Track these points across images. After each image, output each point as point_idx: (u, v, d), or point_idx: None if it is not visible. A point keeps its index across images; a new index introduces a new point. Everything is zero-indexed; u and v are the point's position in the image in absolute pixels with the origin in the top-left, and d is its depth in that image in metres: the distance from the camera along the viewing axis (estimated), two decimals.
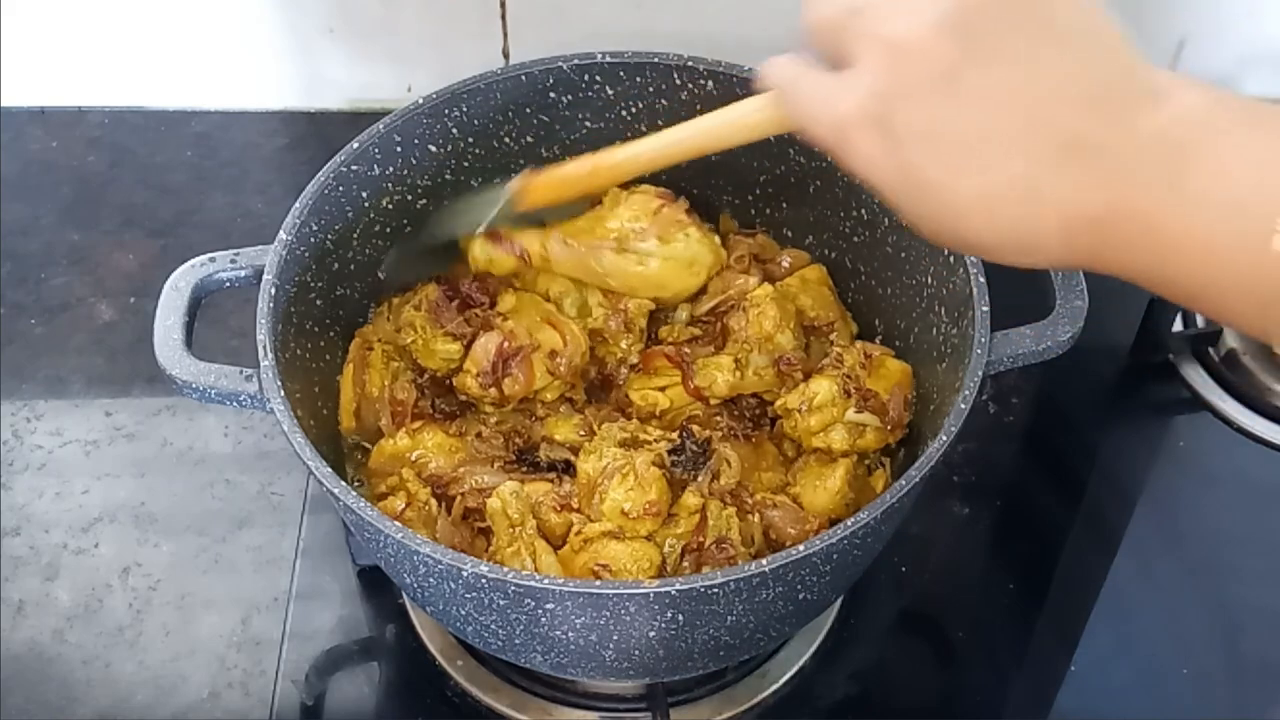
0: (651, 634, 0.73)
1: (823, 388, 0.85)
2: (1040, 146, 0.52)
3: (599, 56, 0.92)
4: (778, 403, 0.87)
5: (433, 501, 0.82)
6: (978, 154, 0.53)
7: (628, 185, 0.89)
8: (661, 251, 0.88)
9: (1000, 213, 0.53)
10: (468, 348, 0.88)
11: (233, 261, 0.83)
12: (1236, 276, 0.50)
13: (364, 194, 0.89)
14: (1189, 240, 0.51)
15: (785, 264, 0.95)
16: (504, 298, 0.89)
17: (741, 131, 0.71)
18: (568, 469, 0.85)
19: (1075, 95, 0.52)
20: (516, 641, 0.76)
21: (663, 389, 0.89)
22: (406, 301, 0.90)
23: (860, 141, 0.55)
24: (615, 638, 0.73)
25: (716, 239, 0.91)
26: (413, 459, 0.86)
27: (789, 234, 0.97)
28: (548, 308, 0.89)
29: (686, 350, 0.89)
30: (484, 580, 0.70)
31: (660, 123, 0.95)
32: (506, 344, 0.87)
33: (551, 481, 0.84)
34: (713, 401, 0.89)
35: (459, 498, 0.83)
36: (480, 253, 0.89)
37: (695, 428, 0.86)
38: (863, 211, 0.91)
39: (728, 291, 0.92)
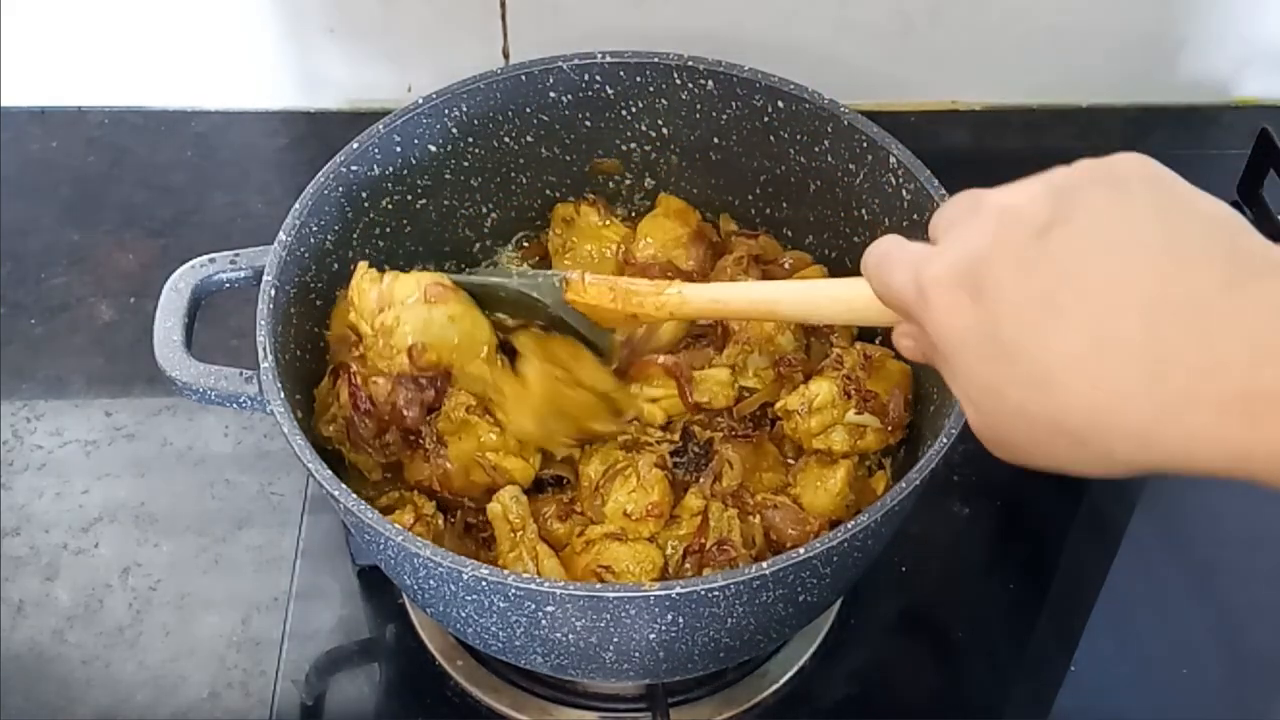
0: (652, 636, 0.73)
1: (823, 389, 0.84)
2: (1147, 292, 0.46)
3: (599, 56, 0.92)
4: (778, 404, 0.86)
5: (439, 515, 0.82)
6: (1068, 307, 0.47)
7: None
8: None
9: (1105, 374, 0.46)
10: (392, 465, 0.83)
11: (233, 262, 0.83)
12: None
13: (364, 194, 0.89)
14: None
15: (786, 265, 0.95)
16: (446, 420, 0.81)
17: (837, 309, 0.67)
18: (568, 483, 0.85)
19: (1196, 257, 0.46)
20: (517, 643, 0.76)
21: (656, 400, 0.88)
22: (326, 409, 0.83)
23: (942, 299, 0.52)
24: (615, 640, 0.73)
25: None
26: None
27: (789, 234, 0.97)
28: (491, 444, 0.81)
29: (683, 356, 0.89)
30: (484, 583, 0.70)
31: (660, 123, 0.95)
32: (439, 485, 0.82)
33: (552, 491, 0.85)
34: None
35: (460, 511, 0.83)
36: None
37: (697, 429, 0.86)
38: (863, 212, 0.91)
39: None
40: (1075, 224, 0.48)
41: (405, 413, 0.80)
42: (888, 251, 0.57)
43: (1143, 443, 0.47)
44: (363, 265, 0.82)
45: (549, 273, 0.80)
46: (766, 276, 0.93)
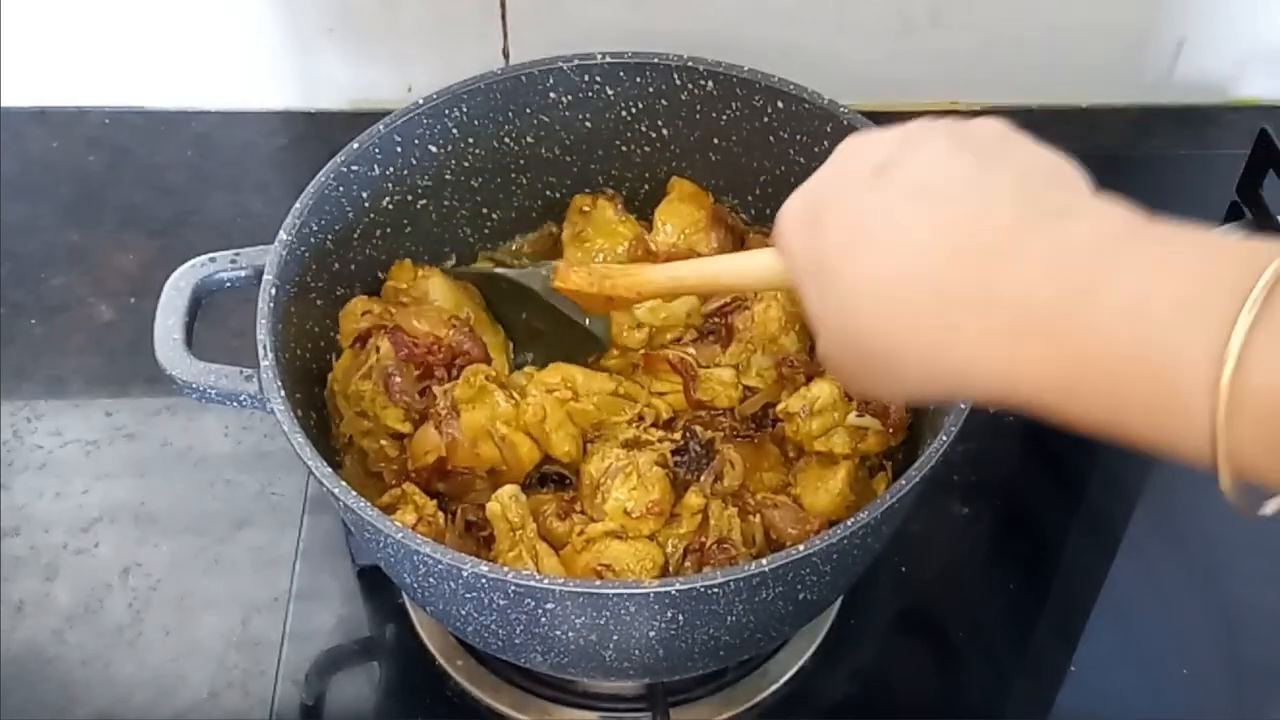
0: (651, 634, 0.73)
1: (824, 391, 0.84)
2: (941, 237, 0.51)
3: (599, 56, 0.92)
4: (779, 406, 0.86)
5: (440, 514, 0.82)
6: (876, 239, 0.52)
7: None
8: None
9: (897, 302, 0.51)
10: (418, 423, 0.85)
11: (233, 261, 0.83)
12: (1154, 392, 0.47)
13: (364, 194, 0.89)
14: (1095, 349, 0.47)
15: None
16: (465, 384, 0.84)
17: (767, 274, 0.69)
18: (569, 482, 0.85)
19: (1000, 205, 0.50)
20: (516, 641, 0.76)
21: (663, 395, 0.88)
22: (357, 369, 0.86)
23: (788, 229, 0.57)
24: (615, 637, 0.73)
25: None
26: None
27: None
28: (504, 414, 0.84)
29: (691, 352, 0.89)
30: (484, 580, 0.70)
31: (660, 123, 0.95)
32: (444, 459, 0.84)
33: (553, 489, 0.84)
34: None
35: (460, 510, 0.83)
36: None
37: (698, 428, 0.86)
38: None
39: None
40: (904, 167, 0.53)
41: (470, 350, 0.86)
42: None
43: (927, 368, 0.52)
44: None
45: (540, 264, 0.85)
46: None
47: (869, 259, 0.52)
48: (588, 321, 0.86)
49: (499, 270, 0.89)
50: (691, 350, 0.89)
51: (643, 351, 0.90)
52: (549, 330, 0.87)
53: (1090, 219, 0.49)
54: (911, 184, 0.53)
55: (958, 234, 0.50)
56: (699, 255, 0.93)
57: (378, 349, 0.86)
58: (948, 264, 0.50)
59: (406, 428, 0.85)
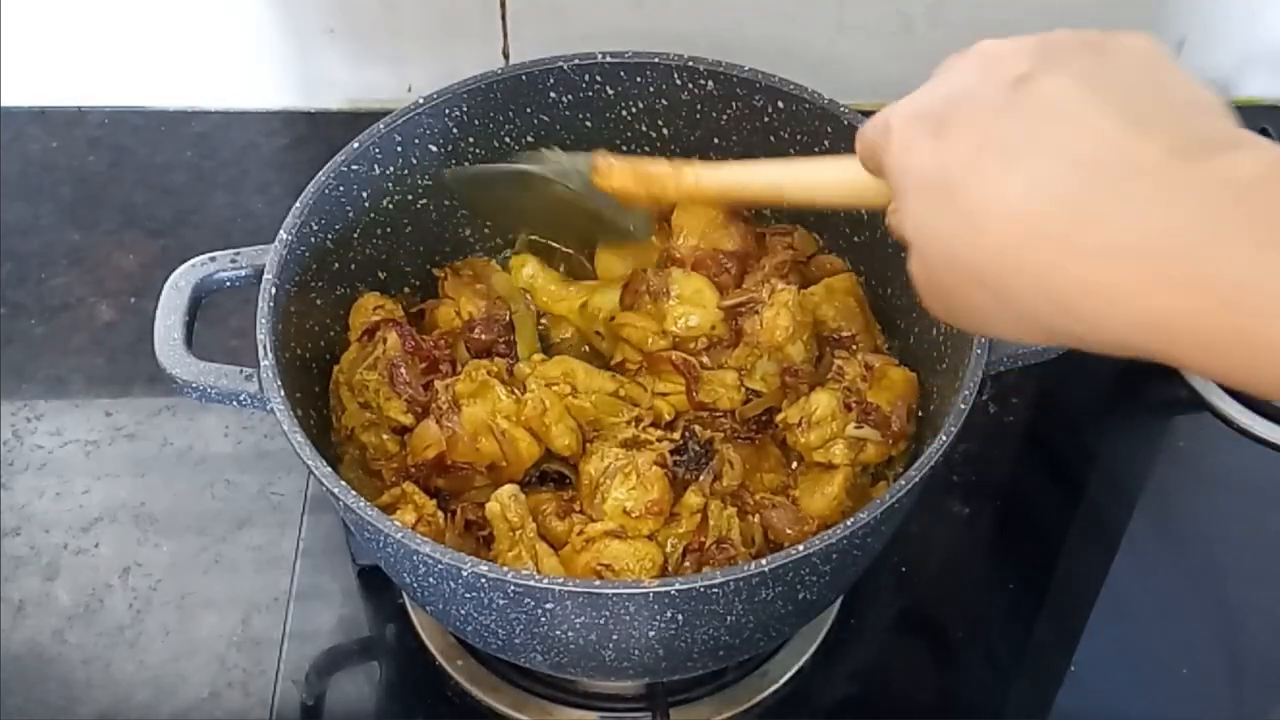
0: (651, 633, 0.73)
1: (822, 402, 0.84)
2: (1087, 162, 0.46)
3: (599, 56, 0.92)
4: (779, 416, 0.86)
5: (440, 514, 0.82)
6: (1015, 158, 0.48)
7: None
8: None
9: (1028, 225, 0.47)
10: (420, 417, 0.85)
11: (233, 261, 0.83)
12: None
13: (364, 194, 0.89)
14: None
15: (814, 269, 0.94)
16: (467, 379, 0.85)
17: (838, 189, 0.66)
18: (569, 481, 0.85)
19: (1154, 128, 0.46)
20: (516, 641, 0.76)
21: (665, 395, 0.88)
22: (363, 360, 0.87)
23: (905, 133, 0.53)
24: (615, 637, 0.73)
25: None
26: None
27: None
28: (505, 409, 0.84)
29: (705, 360, 0.89)
30: (483, 580, 0.70)
31: (660, 123, 0.95)
32: (444, 454, 0.84)
33: (552, 488, 0.84)
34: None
35: (460, 510, 0.83)
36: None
37: (698, 428, 0.86)
38: (863, 212, 0.91)
39: (753, 291, 0.90)
40: (1048, 80, 0.49)
41: (481, 335, 0.90)
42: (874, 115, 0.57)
43: (1041, 301, 0.48)
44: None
45: (575, 155, 0.81)
46: (803, 279, 0.92)
47: (1006, 177, 0.48)
48: (629, 225, 0.83)
49: (536, 168, 0.83)
50: (705, 359, 0.89)
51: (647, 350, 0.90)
52: (583, 226, 0.84)
53: (1252, 153, 0.45)
54: (1056, 98, 0.48)
55: (1114, 152, 0.46)
56: (726, 253, 0.91)
57: (385, 340, 0.86)
58: (1090, 191, 0.46)
59: (408, 420, 0.85)
